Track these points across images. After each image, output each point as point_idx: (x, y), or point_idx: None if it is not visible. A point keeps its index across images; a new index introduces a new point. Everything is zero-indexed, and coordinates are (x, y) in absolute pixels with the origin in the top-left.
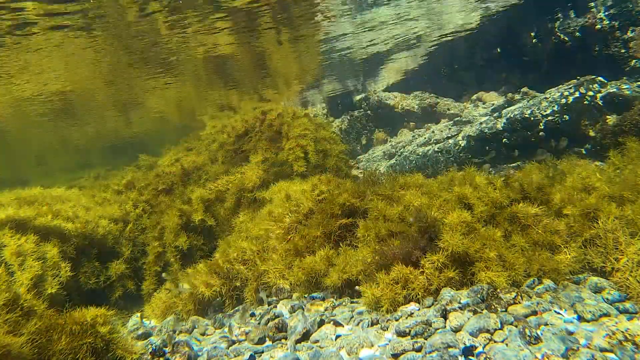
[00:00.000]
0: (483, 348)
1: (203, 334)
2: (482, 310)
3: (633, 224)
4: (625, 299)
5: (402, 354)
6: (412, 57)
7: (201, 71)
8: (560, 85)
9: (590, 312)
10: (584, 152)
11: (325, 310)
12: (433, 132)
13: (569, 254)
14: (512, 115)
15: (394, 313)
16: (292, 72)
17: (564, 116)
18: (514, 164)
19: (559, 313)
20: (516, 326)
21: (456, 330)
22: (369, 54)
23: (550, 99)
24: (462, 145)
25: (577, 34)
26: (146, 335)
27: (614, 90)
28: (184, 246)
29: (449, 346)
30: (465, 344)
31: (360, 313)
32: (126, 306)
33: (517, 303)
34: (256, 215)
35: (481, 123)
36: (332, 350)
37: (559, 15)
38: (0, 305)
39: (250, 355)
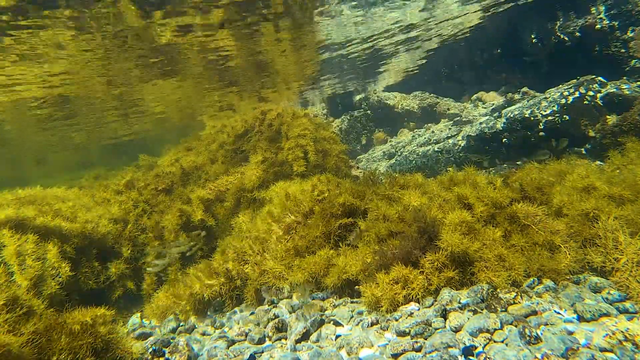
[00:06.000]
0: (483, 348)
1: (203, 334)
2: (482, 310)
3: (633, 224)
4: (625, 299)
5: (402, 353)
6: (412, 57)
7: (200, 70)
8: (560, 85)
9: (590, 312)
10: (584, 152)
11: (325, 310)
12: (433, 132)
13: (569, 254)
14: (512, 115)
15: (394, 313)
16: (290, 67)
17: (564, 116)
18: (514, 164)
19: (558, 313)
20: (516, 326)
21: (456, 330)
22: (368, 49)
23: (550, 99)
24: (462, 145)
25: (577, 34)
26: (146, 335)
27: (614, 90)
28: None
29: (449, 346)
30: (465, 343)
31: (360, 313)
32: (126, 306)
33: (516, 303)
34: (256, 215)
35: (481, 123)
36: (332, 350)
37: (559, 15)
38: (0, 305)
39: (250, 355)
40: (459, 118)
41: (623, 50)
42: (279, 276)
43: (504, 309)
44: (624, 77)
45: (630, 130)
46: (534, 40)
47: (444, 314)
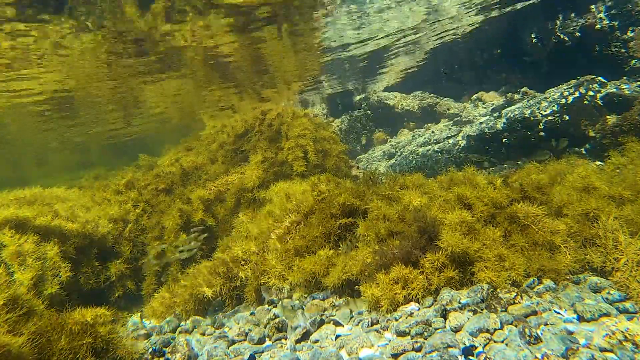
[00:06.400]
0: (483, 348)
1: (203, 334)
2: (482, 310)
3: (633, 224)
4: (625, 299)
5: (402, 353)
6: (412, 57)
7: (200, 70)
8: (560, 85)
9: (590, 312)
10: (584, 152)
11: (325, 310)
12: (433, 132)
13: (569, 254)
14: (512, 115)
15: (394, 313)
16: (290, 68)
17: (564, 116)
18: (514, 164)
19: (558, 313)
20: (516, 326)
21: (456, 330)
22: (368, 51)
23: (550, 99)
24: (462, 145)
25: (577, 34)
26: (146, 335)
27: (614, 90)
28: None
29: (449, 346)
30: (465, 343)
31: (360, 313)
32: (126, 306)
33: (517, 303)
34: (256, 215)
35: (481, 123)
36: (332, 350)
37: (559, 15)
38: (0, 305)
39: (250, 355)
40: (459, 118)
41: (623, 50)
42: (279, 276)
43: (504, 309)
44: (624, 77)
45: (630, 130)
46: (534, 40)
47: (444, 314)
